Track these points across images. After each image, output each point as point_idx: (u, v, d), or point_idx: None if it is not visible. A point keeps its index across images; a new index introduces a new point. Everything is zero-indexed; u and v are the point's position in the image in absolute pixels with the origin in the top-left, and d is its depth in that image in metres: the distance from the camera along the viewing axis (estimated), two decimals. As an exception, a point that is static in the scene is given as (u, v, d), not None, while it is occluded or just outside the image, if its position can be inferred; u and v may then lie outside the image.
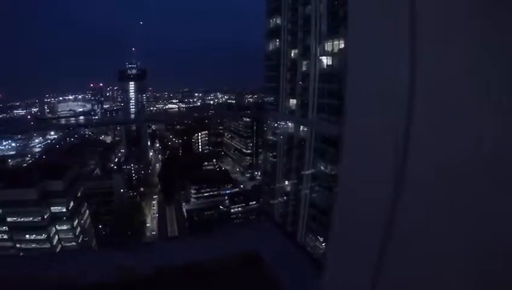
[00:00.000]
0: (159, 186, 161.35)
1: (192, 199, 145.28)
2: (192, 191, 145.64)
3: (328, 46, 47.14)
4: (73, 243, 69.67)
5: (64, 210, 67.36)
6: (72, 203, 69.44)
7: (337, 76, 45.36)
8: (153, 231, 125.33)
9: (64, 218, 67.93)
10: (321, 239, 51.26)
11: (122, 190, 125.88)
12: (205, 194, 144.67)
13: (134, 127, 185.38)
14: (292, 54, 54.57)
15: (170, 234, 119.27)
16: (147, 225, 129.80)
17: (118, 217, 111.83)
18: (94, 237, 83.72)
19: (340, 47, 45.08)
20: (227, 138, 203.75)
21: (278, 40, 57.78)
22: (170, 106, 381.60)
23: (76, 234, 70.55)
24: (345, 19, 36.66)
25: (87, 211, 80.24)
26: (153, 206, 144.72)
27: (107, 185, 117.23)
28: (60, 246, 68.49)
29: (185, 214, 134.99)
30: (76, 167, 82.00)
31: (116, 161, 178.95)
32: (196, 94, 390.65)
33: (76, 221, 71.09)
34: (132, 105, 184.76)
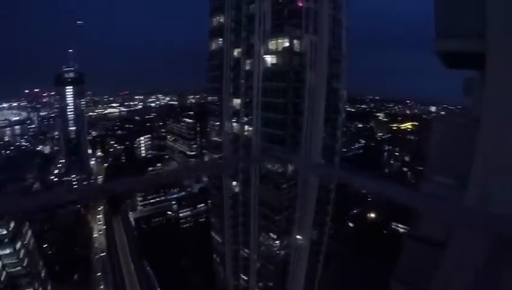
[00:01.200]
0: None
1: (139, 207, 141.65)
2: (139, 199, 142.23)
3: (271, 45, 47.33)
4: (19, 268, 63.62)
5: (5, 232, 61.25)
6: (12, 224, 63.01)
7: (281, 74, 45.83)
8: (102, 244, 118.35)
9: (6, 241, 61.53)
10: (274, 236, 51.57)
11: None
12: (152, 201, 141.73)
13: (74, 135, 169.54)
14: (235, 53, 53.95)
15: (119, 245, 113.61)
16: (95, 237, 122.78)
17: (63, 233, 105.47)
18: (40, 258, 76.12)
19: (284, 45, 45.54)
20: (171, 141, 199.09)
21: (221, 39, 56.73)
22: (110, 110, 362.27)
23: (21, 257, 63.86)
24: (289, 18, 37.20)
25: (30, 231, 72.12)
26: (99, 218, 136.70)
27: None
28: (4, 272, 61.64)
29: (133, 223, 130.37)
30: (13, 183, 73.02)
31: (56, 172, 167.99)
32: (137, 97, 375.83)
33: (19, 243, 64.40)
34: (70, 111, 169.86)
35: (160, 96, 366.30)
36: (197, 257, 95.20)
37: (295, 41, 45.07)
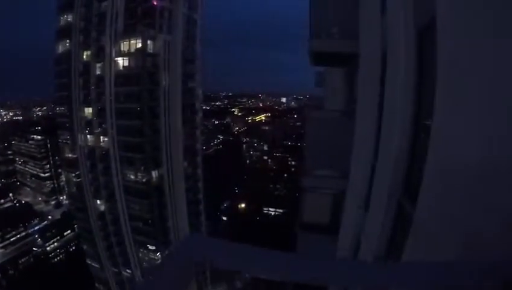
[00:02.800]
0: None
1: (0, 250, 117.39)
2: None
3: (124, 46, 44.34)
4: None
5: None
6: None
7: (135, 77, 43.31)
8: None
9: None
10: (153, 248, 49.02)
11: None
12: (12, 239, 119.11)
13: None
14: (85, 56, 48.48)
15: None
16: None
17: None
18: None
19: (137, 46, 43.24)
20: (20, 164, 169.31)
21: (68, 41, 50.25)
22: None
23: None
24: (143, 17, 34.46)
25: None
26: None
27: None
28: None
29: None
30: None
31: None
32: None
33: None
34: None
35: (1, 111, 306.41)
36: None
37: (149, 42, 43.33)
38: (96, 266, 60.08)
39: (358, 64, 6.99)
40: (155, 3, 42.46)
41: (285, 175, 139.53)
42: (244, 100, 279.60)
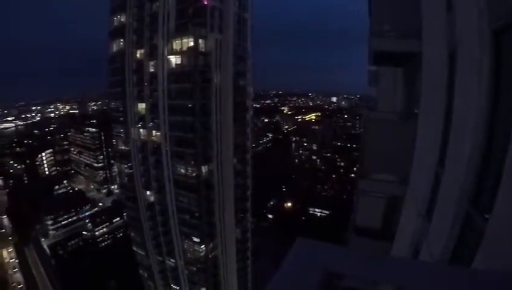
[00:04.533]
0: (10, 225, 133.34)
1: (51, 232, 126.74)
2: (49, 223, 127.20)
3: (176, 45, 45.51)
4: None
5: None
6: None
7: (187, 75, 44.55)
8: (17, 280, 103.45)
9: None
10: (197, 240, 50.45)
11: None
12: (64, 223, 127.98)
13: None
14: (138, 55, 50.60)
15: (38, 279, 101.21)
16: (8, 275, 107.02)
17: None
18: None
19: (189, 45, 44.11)
20: (75, 154, 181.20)
21: (122, 40, 52.61)
22: (6, 125, 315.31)
23: None
24: (194, 17, 35.65)
25: None
26: (10, 251, 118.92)
27: None
28: None
29: (48, 251, 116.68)
30: None
31: None
32: (34, 108, 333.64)
33: None
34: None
35: (59, 105, 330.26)
36: (123, 275, 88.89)
37: (200, 41, 44.01)
38: (142, 253, 63.14)
39: (418, 64, 6.71)
40: (206, 2, 42.83)
41: (334, 176, 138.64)
42: (294, 99, 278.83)
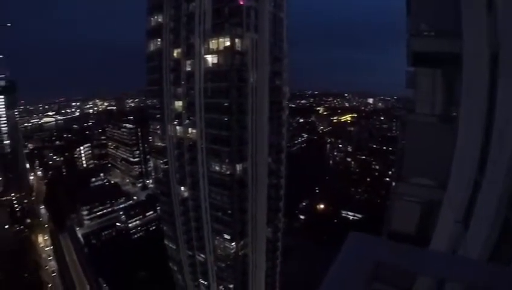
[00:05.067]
0: (48, 213, 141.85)
1: (86, 221, 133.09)
2: (84, 213, 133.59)
3: (212, 44, 46.10)
4: None
5: None
6: None
7: (223, 74, 44.98)
8: (51, 266, 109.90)
9: None
10: (228, 237, 50.96)
11: (6, 226, 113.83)
12: (98, 213, 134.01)
13: (9, 150, 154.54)
14: (175, 54, 51.84)
15: (71, 265, 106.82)
16: (43, 259, 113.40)
17: (8, 259, 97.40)
18: None
19: (226, 44, 44.48)
20: (112, 148, 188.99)
21: (159, 40, 54.07)
22: (46, 119, 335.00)
23: None
24: (230, 16, 36.07)
25: None
26: (46, 238, 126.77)
27: None
28: None
29: (82, 239, 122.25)
30: None
31: None
32: (73, 103, 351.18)
33: None
34: (3, 123, 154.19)
35: (97, 101, 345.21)
36: (153, 267, 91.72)
37: (236, 40, 44.24)
38: (173, 247, 64.86)
39: (459, 65, 6.41)
40: (241, 2, 42.95)
41: (368, 179, 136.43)
42: (329, 99, 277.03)
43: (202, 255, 58.10)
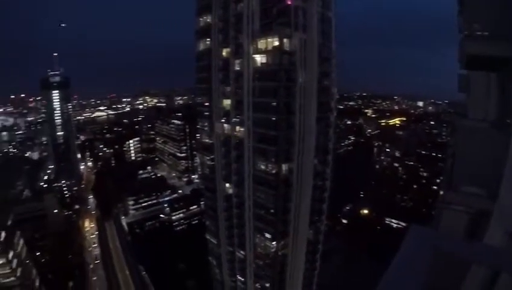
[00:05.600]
0: (95, 201, 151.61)
1: (131, 211, 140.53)
2: (130, 203, 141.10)
3: (261, 44, 46.43)
4: (12, 278, 63.17)
5: None
6: (2, 234, 62.58)
7: (272, 74, 45.16)
8: (95, 249, 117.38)
9: None
10: (269, 236, 51.15)
11: (55, 211, 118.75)
12: (144, 204, 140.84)
13: (62, 140, 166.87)
14: (224, 53, 52.94)
15: (113, 251, 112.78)
16: (87, 243, 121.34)
17: (56, 241, 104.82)
18: (33, 267, 75.52)
19: (274, 44, 44.59)
20: (160, 143, 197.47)
21: (208, 40, 55.53)
22: (98, 113, 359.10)
23: (14, 267, 63.35)
24: (278, 16, 36.09)
25: (21, 240, 71.69)
26: (92, 224, 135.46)
27: (38, 207, 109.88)
28: None
29: (126, 227, 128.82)
30: (1, 192, 72.03)
31: (45, 178, 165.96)
32: (124, 99, 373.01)
33: (11, 253, 63.83)
34: (57, 115, 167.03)
35: (147, 98, 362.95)
36: (193, 260, 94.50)
37: (285, 40, 44.14)
38: (214, 241, 66.46)
39: None
40: (289, 2, 42.56)
41: (415, 187, 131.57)
42: (378, 101, 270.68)
43: (242, 252, 58.87)
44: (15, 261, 63.83)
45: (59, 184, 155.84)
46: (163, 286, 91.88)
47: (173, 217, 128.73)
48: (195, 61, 59.47)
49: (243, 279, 61.94)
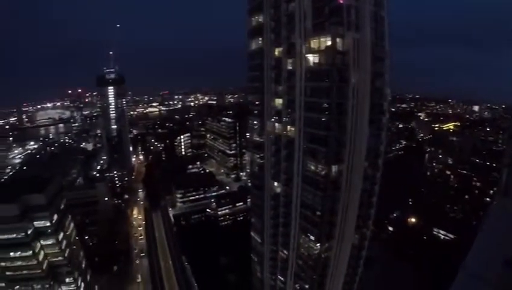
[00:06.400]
0: (144, 192, 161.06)
1: (179, 204, 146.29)
2: (178, 196, 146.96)
3: (313, 44, 46.00)
4: (60, 258, 67.36)
5: (48, 224, 64.34)
6: (55, 217, 66.43)
7: (324, 74, 44.64)
8: (141, 238, 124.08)
9: (49, 232, 64.91)
10: (313, 238, 50.65)
11: (106, 199, 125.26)
12: (191, 198, 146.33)
13: (115, 133, 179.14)
14: (276, 53, 53.31)
15: (158, 240, 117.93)
16: (134, 231, 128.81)
17: (104, 227, 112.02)
18: (81, 250, 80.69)
19: (327, 44, 44.01)
20: (210, 140, 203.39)
21: (260, 39, 56.30)
22: (150, 109, 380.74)
23: (63, 248, 67.56)
24: (330, 16, 35.66)
25: (72, 223, 76.47)
26: (139, 213, 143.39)
27: (90, 194, 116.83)
28: (46, 262, 66.09)
29: (172, 219, 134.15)
30: (57, 178, 79.02)
31: (98, 168, 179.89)
32: (176, 96, 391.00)
33: (62, 234, 68.07)
34: (112, 110, 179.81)
35: (199, 95, 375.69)
36: (235, 256, 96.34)
37: (337, 40, 43.11)
38: (258, 239, 67.42)
39: None
40: (341, 1, 41.64)
41: (466, 197, 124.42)
42: (432, 104, 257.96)
43: (285, 252, 59.04)
44: (64, 242, 67.96)
45: (111, 174, 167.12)
46: (204, 278, 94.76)
47: (219, 212, 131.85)
48: (248, 60, 60.62)
49: (283, 279, 62.10)
